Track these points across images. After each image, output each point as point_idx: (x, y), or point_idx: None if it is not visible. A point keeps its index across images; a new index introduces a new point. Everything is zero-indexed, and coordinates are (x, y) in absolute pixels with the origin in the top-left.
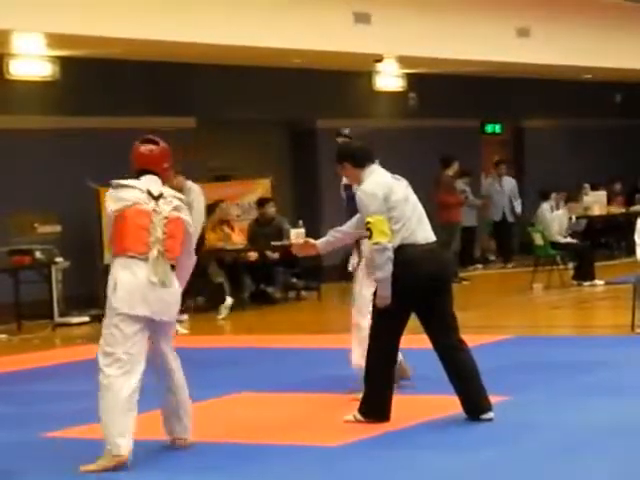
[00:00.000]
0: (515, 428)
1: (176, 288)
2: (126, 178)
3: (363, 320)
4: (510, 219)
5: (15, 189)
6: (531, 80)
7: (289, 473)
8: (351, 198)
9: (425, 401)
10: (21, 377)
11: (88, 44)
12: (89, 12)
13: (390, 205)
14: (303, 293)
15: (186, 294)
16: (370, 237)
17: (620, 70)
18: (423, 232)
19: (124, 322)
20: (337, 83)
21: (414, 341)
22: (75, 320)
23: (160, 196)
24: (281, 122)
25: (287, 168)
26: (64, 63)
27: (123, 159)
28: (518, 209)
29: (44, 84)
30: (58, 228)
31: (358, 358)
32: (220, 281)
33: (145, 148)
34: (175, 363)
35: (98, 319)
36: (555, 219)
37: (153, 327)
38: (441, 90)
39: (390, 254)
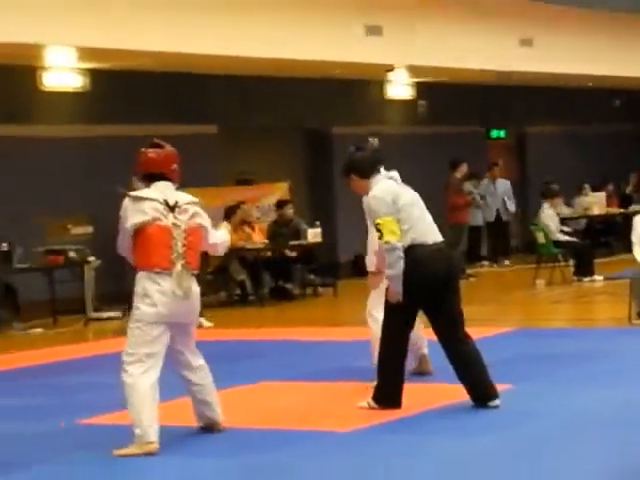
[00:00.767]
0: (518, 415)
1: (197, 295)
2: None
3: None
4: (505, 218)
5: (49, 193)
6: (533, 88)
7: (307, 457)
8: None
9: (434, 389)
10: (56, 369)
11: (116, 57)
12: (117, 27)
13: (398, 208)
14: (320, 289)
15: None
16: (381, 237)
17: (617, 77)
18: (431, 233)
19: (147, 326)
20: (351, 92)
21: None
22: (106, 315)
23: (175, 205)
24: (298, 129)
25: (304, 172)
26: (94, 75)
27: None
28: (512, 208)
29: (75, 95)
30: (90, 229)
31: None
32: (242, 278)
33: (152, 152)
34: (197, 359)
35: (128, 313)
36: (548, 218)
37: (176, 329)
38: (449, 98)
39: (400, 252)
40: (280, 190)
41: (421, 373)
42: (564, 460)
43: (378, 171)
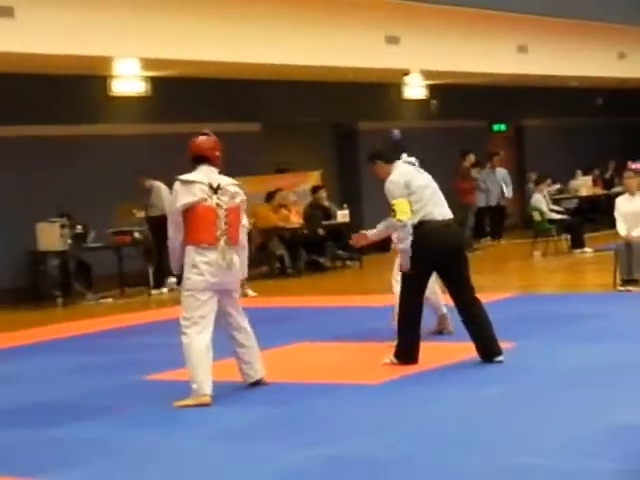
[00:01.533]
0: (520, 368)
1: (237, 264)
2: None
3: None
4: (502, 203)
5: (117, 183)
6: (529, 87)
7: (340, 405)
8: None
9: (450, 347)
10: (123, 332)
11: (174, 66)
12: (174, 41)
13: (411, 190)
14: (348, 262)
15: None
16: (394, 216)
17: (598, 78)
18: (441, 211)
19: (199, 292)
20: (373, 93)
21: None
22: (166, 288)
23: (218, 187)
24: (329, 125)
25: (334, 162)
26: (155, 82)
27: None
28: (508, 193)
29: (139, 99)
30: None
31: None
32: (281, 253)
33: (200, 138)
34: (244, 321)
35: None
36: (537, 201)
37: (223, 294)
38: (457, 97)
39: (409, 229)
40: (313, 177)
41: (441, 332)
42: (562, 405)
43: (398, 158)
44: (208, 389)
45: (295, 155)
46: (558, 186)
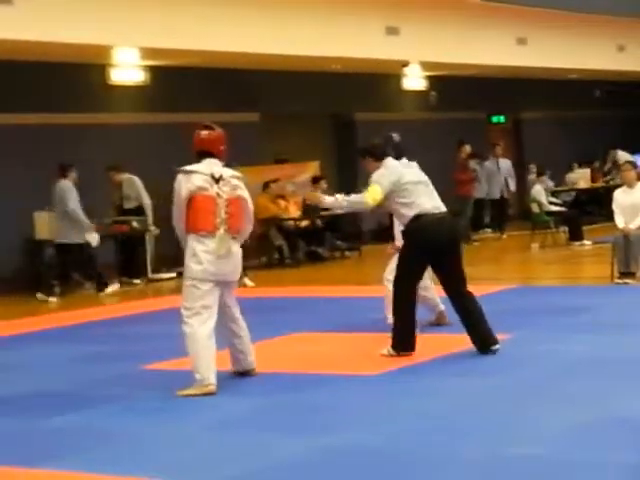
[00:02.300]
0: (518, 359)
1: (238, 255)
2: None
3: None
4: (505, 195)
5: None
6: (528, 79)
7: (338, 395)
8: None
9: (446, 339)
10: (122, 321)
11: (173, 56)
12: (174, 31)
13: (402, 187)
14: (346, 253)
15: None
16: (363, 192)
17: (597, 70)
18: (434, 204)
19: (200, 282)
20: (372, 84)
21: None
22: (165, 276)
23: (220, 178)
24: (327, 115)
25: (332, 152)
26: (154, 71)
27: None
28: (513, 187)
29: (138, 88)
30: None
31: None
32: (279, 244)
33: (204, 133)
34: (237, 311)
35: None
36: (537, 193)
37: (223, 285)
38: (456, 88)
39: (364, 206)
40: (312, 168)
41: (439, 324)
42: (559, 396)
43: (387, 155)
44: (212, 378)
45: (294, 145)
46: (552, 183)
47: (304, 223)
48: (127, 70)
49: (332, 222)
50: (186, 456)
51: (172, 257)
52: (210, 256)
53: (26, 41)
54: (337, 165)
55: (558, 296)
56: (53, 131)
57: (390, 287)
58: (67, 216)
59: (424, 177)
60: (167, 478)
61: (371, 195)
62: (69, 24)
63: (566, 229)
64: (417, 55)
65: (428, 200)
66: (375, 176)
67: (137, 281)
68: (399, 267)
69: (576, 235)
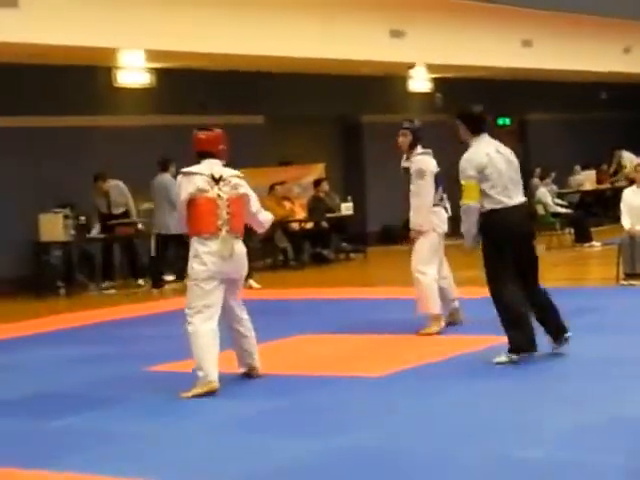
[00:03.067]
0: (521, 361)
1: (243, 254)
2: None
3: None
4: None
5: (120, 174)
6: (534, 82)
7: (342, 397)
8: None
9: (451, 341)
10: (125, 323)
11: (179, 58)
12: (179, 33)
13: (485, 176)
14: (351, 255)
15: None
16: (461, 198)
17: (603, 72)
18: (515, 195)
19: (204, 282)
20: (378, 86)
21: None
22: (169, 278)
23: (220, 178)
24: (333, 117)
25: (338, 154)
26: (159, 73)
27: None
28: None
29: (144, 90)
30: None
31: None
32: (284, 246)
33: (203, 133)
34: (243, 312)
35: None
36: (543, 194)
37: (228, 284)
38: (461, 91)
39: (472, 213)
40: (317, 170)
41: (453, 323)
42: (564, 397)
43: (484, 131)
44: (214, 375)
45: (299, 148)
46: (555, 187)
47: (309, 225)
48: (133, 72)
49: (337, 224)
50: (188, 458)
51: (176, 259)
52: (214, 257)
53: (32, 44)
54: (343, 167)
55: (564, 297)
56: (59, 133)
57: (422, 278)
58: (169, 207)
59: (514, 163)
60: None
61: (467, 194)
62: (75, 27)
63: (572, 231)
64: (422, 57)
65: (509, 191)
66: (461, 171)
67: (141, 282)
68: (488, 270)
69: (583, 237)
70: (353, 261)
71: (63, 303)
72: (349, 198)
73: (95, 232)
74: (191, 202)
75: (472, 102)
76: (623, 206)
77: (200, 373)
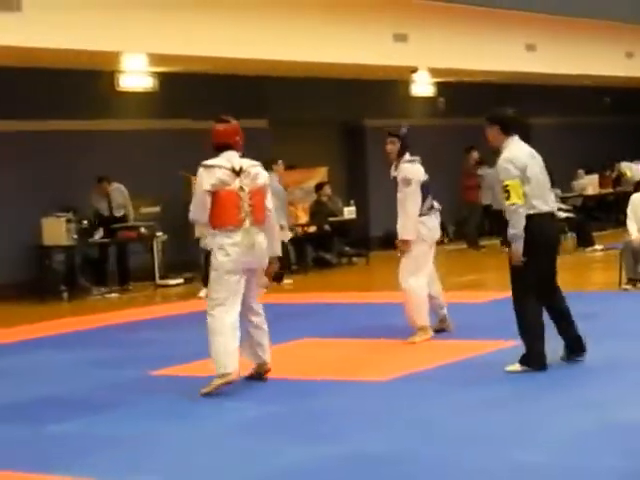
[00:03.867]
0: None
1: (263, 245)
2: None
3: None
4: None
5: (123, 178)
6: (537, 86)
7: (346, 402)
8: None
9: (452, 346)
10: (130, 328)
11: (182, 62)
12: (182, 37)
13: (526, 177)
14: (354, 259)
15: None
16: (508, 198)
17: (606, 77)
18: (547, 202)
19: (227, 274)
20: (381, 90)
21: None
22: (172, 282)
23: (240, 170)
24: (336, 121)
25: (341, 159)
26: (162, 77)
27: (207, 153)
28: None
29: (146, 94)
30: (158, 209)
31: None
32: (285, 250)
33: (221, 126)
34: (259, 305)
35: (190, 281)
36: None
37: (248, 274)
38: (464, 95)
39: (522, 214)
40: (320, 174)
41: (443, 330)
42: (565, 402)
43: (516, 132)
44: (232, 366)
45: (302, 151)
46: (558, 191)
47: (312, 229)
48: (135, 76)
49: (340, 228)
50: (193, 462)
51: (179, 263)
52: (238, 248)
53: (34, 48)
54: (346, 171)
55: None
56: (61, 137)
57: (408, 289)
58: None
59: (544, 171)
60: None
61: (515, 194)
62: (77, 30)
63: (574, 235)
64: (425, 61)
65: (543, 198)
66: (503, 171)
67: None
68: (515, 276)
69: (585, 241)
70: (355, 266)
71: (66, 307)
72: (352, 202)
73: (98, 236)
74: (214, 195)
75: (475, 106)
76: (630, 210)
77: (218, 364)
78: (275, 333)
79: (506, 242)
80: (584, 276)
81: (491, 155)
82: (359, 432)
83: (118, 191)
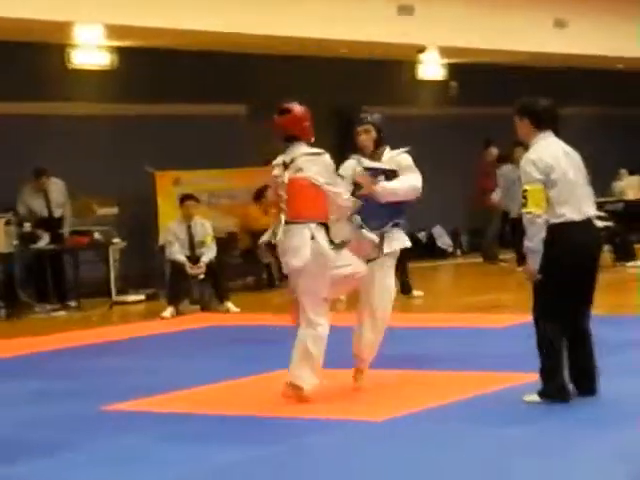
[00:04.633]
0: (547, 406)
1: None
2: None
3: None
4: None
5: (74, 173)
6: (567, 69)
7: (334, 446)
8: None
9: (458, 379)
10: (80, 353)
11: (144, 35)
12: (146, 4)
13: (551, 181)
14: None
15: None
16: (524, 205)
17: None
18: (584, 209)
19: None
20: (381, 72)
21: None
22: (131, 298)
23: (291, 162)
24: (329, 109)
25: (334, 153)
26: (122, 53)
27: (176, 144)
28: None
29: (103, 73)
30: (115, 210)
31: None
32: (268, 261)
33: (279, 118)
34: None
35: (153, 298)
36: None
37: None
38: (481, 79)
39: (541, 226)
40: None
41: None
42: (595, 450)
43: (550, 128)
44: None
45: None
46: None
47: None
48: (90, 52)
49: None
50: None
51: (140, 276)
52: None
53: None
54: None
55: (600, 329)
56: (5, 122)
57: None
58: None
59: (580, 171)
60: None
61: (533, 201)
62: None
63: (611, 247)
64: (435, 39)
65: (577, 204)
66: (524, 173)
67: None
68: (538, 299)
69: (625, 254)
70: None
71: (3, 327)
72: None
73: (44, 243)
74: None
75: (493, 93)
76: None
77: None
78: (252, 361)
79: (522, 258)
80: (622, 297)
81: (514, 151)
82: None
83: (58, 187)
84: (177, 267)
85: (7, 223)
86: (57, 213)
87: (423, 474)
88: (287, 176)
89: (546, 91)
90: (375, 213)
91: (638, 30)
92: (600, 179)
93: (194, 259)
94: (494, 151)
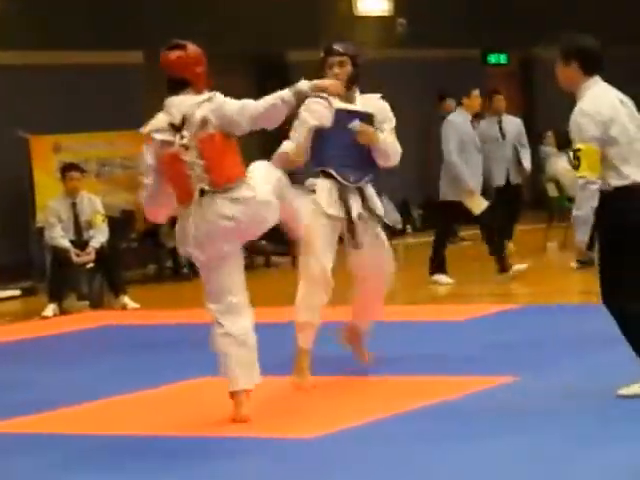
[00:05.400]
0: (519, 413)
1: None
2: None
3: None
4: (516, 180)
5: None
6: (542, 1)
7: (259, 470)
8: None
9: (410, 384)
10: None
11: None
12: None
13: (610, 138)
14: (273, 258)
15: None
16: (577, 168)
17: None
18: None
19: None
20: (310, 8)
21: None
22: (3, 294)
23: (183, 122)
24: (245, 55)
25: None
26: None
27: (61, 100)
28: (527, 164)
29: None
30: None
31: None
32: (173, 246)
33: (172, 54)
34: None
35: (31, 293)
36: (564, 171)
37: None
38: (435, 15)
39: (594, 192)
40: None
41: None
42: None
43: (599, 72)
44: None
45: None
46: None
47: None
48: None
49: None
50: None
51: (13, 267)
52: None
53: None
54: (262, 128)
55: (584, 320)
56: None
57: None
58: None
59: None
60: None
61: (587, 164)
62: None
63: None
64: None
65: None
66: (577, 129)
67: None
68: (605, 272)
69: None
70: (275, 268)
71: None
72: None
73: None
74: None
75: (451, 31)
76: None
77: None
78: (158, 369)
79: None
80: None
81: (493, 100)
82: None
83: None
84: (60, 254)
85: None
86: None
87: None
88: (190, 136)
89: (515, 27)
90: (354, 165)
91: None
92: None
93: (81, 244)
94: (451, 104)
